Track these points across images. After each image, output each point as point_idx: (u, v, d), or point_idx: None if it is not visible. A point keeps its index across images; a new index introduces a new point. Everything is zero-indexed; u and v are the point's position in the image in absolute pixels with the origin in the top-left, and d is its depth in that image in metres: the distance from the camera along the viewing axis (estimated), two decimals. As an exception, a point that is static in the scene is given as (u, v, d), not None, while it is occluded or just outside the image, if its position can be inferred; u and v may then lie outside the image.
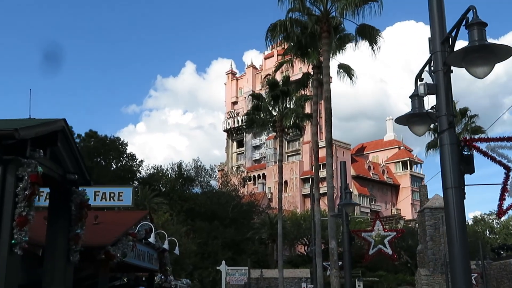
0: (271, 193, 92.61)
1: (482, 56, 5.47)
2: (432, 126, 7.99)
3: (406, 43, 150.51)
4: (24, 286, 11.66)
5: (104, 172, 50.64)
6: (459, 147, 5.91)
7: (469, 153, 5.97)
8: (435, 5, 6.28)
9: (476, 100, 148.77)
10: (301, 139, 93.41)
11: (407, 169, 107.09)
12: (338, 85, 75.00)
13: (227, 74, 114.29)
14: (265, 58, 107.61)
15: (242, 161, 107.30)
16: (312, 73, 33.02)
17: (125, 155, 58.78)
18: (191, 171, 66.23)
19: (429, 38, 6.27)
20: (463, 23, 5.68)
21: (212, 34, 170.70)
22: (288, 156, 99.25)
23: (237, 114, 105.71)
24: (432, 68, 6.19)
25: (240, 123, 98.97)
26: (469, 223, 79.37)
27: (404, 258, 60.90)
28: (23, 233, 8.54)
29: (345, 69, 30.89)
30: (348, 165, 75.82)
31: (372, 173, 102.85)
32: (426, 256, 44.60)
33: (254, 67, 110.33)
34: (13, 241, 8.46)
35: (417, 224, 59.48)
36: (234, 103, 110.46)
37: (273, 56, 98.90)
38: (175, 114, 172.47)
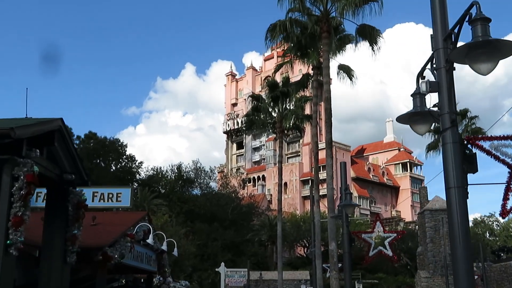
0: (271, 194, 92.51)
1: (486, 52, 5.34)
2: (432, 127, 7.86)
3: (406, 45, 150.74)
4: (20, 287, 11.56)
5: (104, 173, 50.58)
6: (461, 146, 5.78)
7: (472, 152, 5.84)
8: (437, 1, 6.16)
9: (476, 102, 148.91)
10: (301, 140, 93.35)
11: (407, 171, 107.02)
12: (338, 87, 75.10)
13: (227, 75, 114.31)
14: (265, 60, 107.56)
15: (242, 162, 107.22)
16: (312, 74, 32.91)
17: (124, 156, 58.74)
18: (190, 172, 66.17)
19: (431, 35, 6.15)
20: (466, 19, 5.56)
21: (212, 36, 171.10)
22: (288, 157, 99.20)
23: (237, 115, 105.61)
24: (434, 66, 6.07)
25: (240, 125, 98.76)
26: (470, 225, 79.23)
27: (404, 260, 60.73)
28: (18, 233, 8.43)
29: (345, 70, 30.76)
30: (348, 167, 75.69)
31: (372, 175, 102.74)
32: (426, 258, 44.44)
33: (254, 69, 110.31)
34: (8, 242, 8.36)
35: (417, 226, 59.41)
36: (234, 104, 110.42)
37: (273, 57, 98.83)
38: (175, 116, 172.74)
